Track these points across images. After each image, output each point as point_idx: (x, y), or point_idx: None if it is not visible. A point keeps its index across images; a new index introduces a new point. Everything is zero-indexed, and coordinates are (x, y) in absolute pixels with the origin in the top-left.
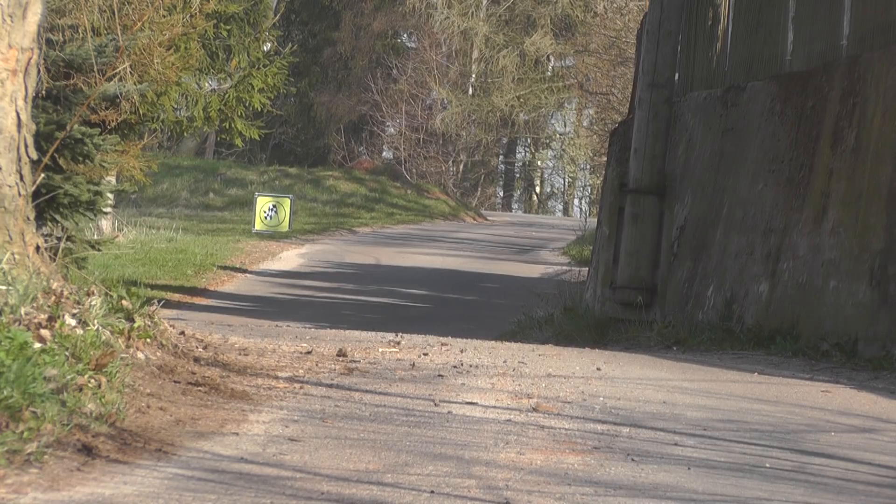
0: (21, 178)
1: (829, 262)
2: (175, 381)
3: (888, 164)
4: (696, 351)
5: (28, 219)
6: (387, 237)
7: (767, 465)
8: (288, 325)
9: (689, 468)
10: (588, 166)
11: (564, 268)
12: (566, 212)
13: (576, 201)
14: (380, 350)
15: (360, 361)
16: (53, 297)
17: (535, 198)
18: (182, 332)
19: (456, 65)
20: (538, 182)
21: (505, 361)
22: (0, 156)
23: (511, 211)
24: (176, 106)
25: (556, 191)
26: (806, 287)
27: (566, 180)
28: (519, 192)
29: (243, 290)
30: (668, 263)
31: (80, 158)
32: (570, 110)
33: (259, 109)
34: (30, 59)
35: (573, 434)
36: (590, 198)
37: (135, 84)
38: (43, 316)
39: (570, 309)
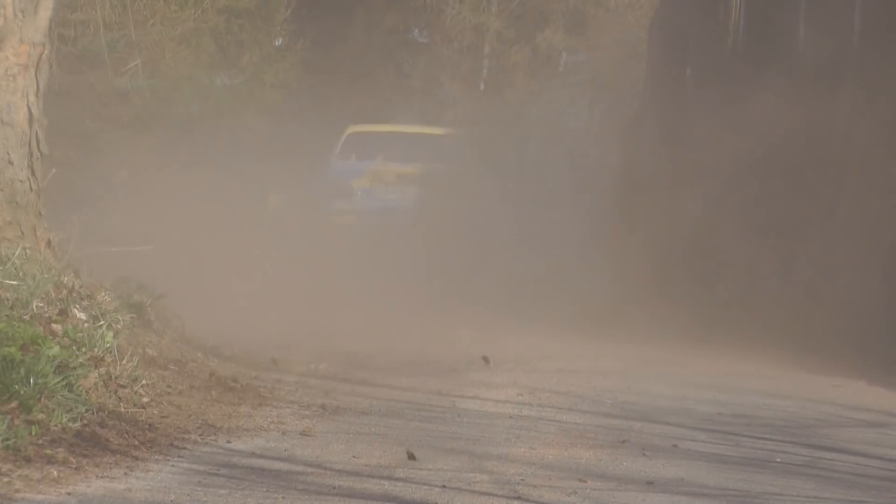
0: (33, 173)
1: (841, 256)
2: (186, 375)
3: None
4: (708, 345)
5: (40, 213)
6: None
7: (778, 459)
8: (300, 319)
9: (700, 463)
10: (601, 161)
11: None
12: None
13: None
14: (391, 344)
15: (371, 355)
16: (65, 292)
17: None
18: (195, 327)
19: (467, 60)
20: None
21: (517, 356)
22: (12, 151)
23: None
24: (187, 101)
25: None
26: (817, 282)
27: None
28: None
29: (255, 285)
30: (681, 258)
31: (93, 153)
32: (582, 105)
33: (271, 104)
34: (41, 54)
35: (585, 429)
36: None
37: (146, 79)
38: (54, 310)
39: (582, 303)
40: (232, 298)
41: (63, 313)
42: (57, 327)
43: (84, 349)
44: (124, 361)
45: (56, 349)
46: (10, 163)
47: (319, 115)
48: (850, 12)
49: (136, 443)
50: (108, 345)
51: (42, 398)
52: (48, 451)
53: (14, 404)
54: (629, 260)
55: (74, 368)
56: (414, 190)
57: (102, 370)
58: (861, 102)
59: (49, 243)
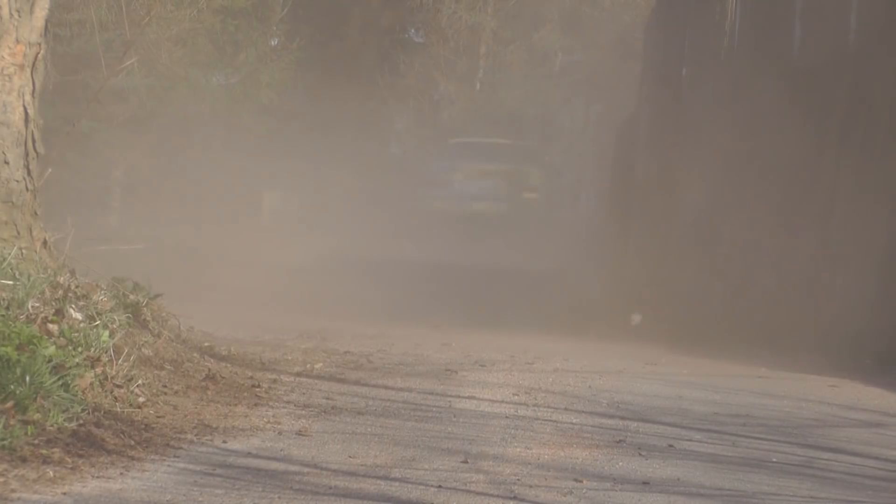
0: (29, 173)
1: (837, 256)
2: (183, 375)
3: None
4: (704, 345)
5: (35, 213)
6: (394, 232)
7: (774, 459)
8: (296, 320)
9: (696, 462)
10: (596, 161)
11: (571, 261)
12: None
13: (583, 195)
14: (387, 345)
15: (367, 356)
16: (60, 292)
17: None
18: (190, 327)
19: (463, 60)
20: None
21: (512, 356)
22: (8, 150)
23: None
24: (184, 101)
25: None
26: (813, 281)
27: (574, 175)
28: None
29: (251, 285)
30: (677, 258)
31: (89, 153)
32: (577, 105)
33: (266, 104)
34: (37, 54)
35: (582, 428)
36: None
37: (142, 79)
38: (50, 310)
39: (578, 303)
40: (228, 297)
41: (59, 313)
42: (53, 327)
43: (80, 349)
44: (120, 361)
45: (52, 349)
46: (6, 163)
47: (315, 114)
48: (846, 12)
49: (132, 443)
50: (103, 345)
51: (38, 398)
52: (44, 451)
53: (10, 404)
54: (624, 259)
55: (70, 368)
56: (493, 183)
57: (98, 370)
58: (857, 102)
59: (45, 243)
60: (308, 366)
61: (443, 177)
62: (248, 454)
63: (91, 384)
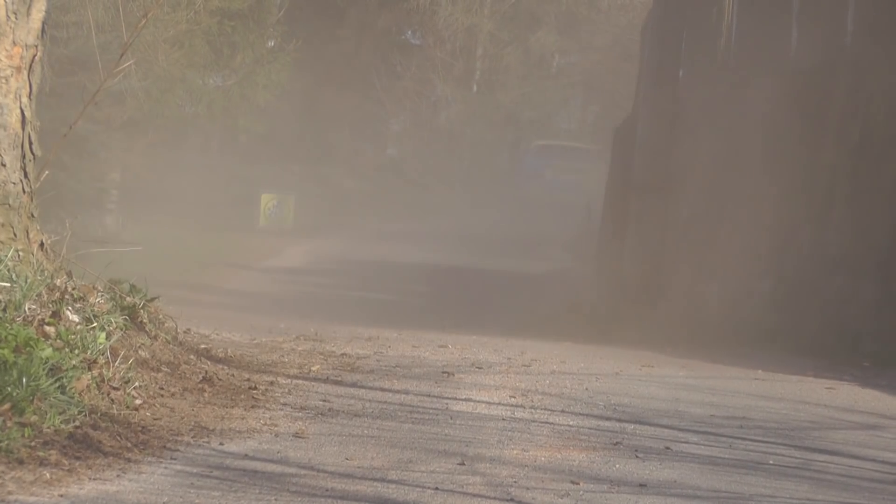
0: (25, 175)
1: (834, 258)
2: (179, 377)
3: (893, 161)
4: (701, 347)
5: (32, 215)
6: (391, 234)
7: (771, 461)
8: (293, 322)
9: (693, 465)
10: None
11: (569, 264)
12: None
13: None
14: (384, 347)
15: (364, 358)
16: (57, 294)
17: None
18: (187, 329)
19: (460, 62)
20: None
21: (509, 359)
22: (4, 153)
23: None
24: (180, 103)
25: None
26: (810, 284)
27: None
28: None
29: (248, 287)
30: (673, 260)
31: (85, 155)
32: (574, 107)
33: (263, 106)
34: (34, 56)
35: (578, 431)
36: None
37: (139, 81)
38: (47, 312)
39: (575, 306)
40: (225, 299)
41: (56, 315)
42: (50, 329)
43: (77, 351)
44: (117, 363)
45: (49, 351)
46: (3, 165)
47: (312, 116)
48: (843, 14)
49: (129, 445)
50: (100, 347)
51: (35, 400)
52: (41, 453)
53: (7, 406)
54: (622, 261)
55: (67, 370)
56: (574, 178)
57: (95, 372)
58: (854, 103)
59: (42, 245)
60: (305, 368)
61: (535, 172)
62: (245, 456)
63: (88, 386)
